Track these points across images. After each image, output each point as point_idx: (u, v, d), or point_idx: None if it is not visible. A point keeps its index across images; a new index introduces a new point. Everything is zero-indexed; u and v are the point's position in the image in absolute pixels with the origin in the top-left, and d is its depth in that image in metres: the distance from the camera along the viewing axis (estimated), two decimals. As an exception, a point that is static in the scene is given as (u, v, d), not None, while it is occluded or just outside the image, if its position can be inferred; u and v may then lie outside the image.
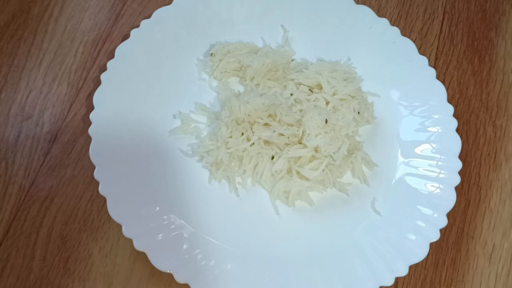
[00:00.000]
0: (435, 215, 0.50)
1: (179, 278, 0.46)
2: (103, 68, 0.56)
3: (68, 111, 0.58)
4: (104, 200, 0.49)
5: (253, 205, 0.53)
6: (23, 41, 0.62)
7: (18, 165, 0.55)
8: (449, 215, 0.50)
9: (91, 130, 0.52)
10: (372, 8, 0.61)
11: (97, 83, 0.55)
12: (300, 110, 0.55)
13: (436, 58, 0.63)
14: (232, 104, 0.54)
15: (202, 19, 0.61)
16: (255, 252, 0.50)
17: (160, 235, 0.48)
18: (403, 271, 0.47)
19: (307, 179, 0.52)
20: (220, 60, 0.59)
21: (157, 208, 0.50)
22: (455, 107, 0.56)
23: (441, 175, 0.52)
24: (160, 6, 0.60)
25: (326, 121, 0.53)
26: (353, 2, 0.61)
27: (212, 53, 0.59)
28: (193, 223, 0.50)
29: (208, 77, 0.59)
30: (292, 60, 0.60)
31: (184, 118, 0.56)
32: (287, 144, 0.54)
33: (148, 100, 0.56)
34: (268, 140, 0.54)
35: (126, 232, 0.47)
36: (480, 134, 0.59)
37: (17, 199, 0.53)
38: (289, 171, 0.53)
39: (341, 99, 0.56)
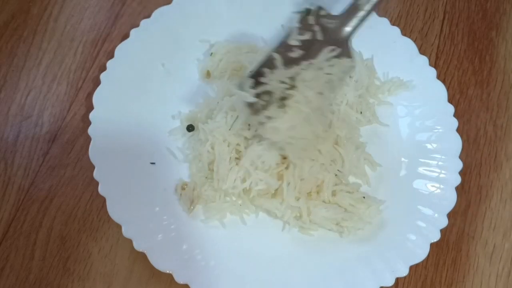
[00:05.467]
0: (436, 215, 0.50)
1: (179, 278, 0.46)
2: (103, 68, 0.56)
3: (68, 111, 0.58)
4: (103, 200, 0.48)
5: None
6: (22, 40, 0.62)
7: (17, 165, 0.55)
8: (449, 215, 0.50)
9: (90, 130, 0.52)
10: (373, 8, 0.61)
11: (97, 83, 0.55)
12: None
13: (437, 57, 0.63)
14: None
15: (202, 19, 0.61)
16: (255, 252, 0.50)
17: (160, 235, 0.48)
18: (403, 272, 0.47)
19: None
20: (220, 60, 0.58)
21: (157, 208, 0.50)
22: (456, 107, 0.55)
23: (441, 175, 0.52)
24: (160, 6, 0.60)
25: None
26: (353, 2, 0.61)
27: (212, 53, 0.59)
28: (193, 223, 0.50)
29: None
30: None
31: (184, 118, 0.56)
32: None
33: (148, 100, 0.56)
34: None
35: (126, 232, 0.47)
36: (480, 134, 0.59)
37: (17, 199, 0.53)
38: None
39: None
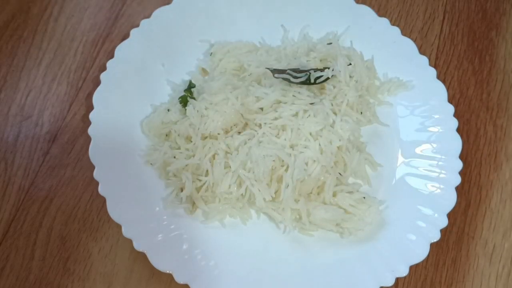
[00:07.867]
0: (436, 215, 0.50)
1: (179, 278, 0.46)
2: (103, 68, 0.56)
3: (68, 111, 0.58)
4: (103, 200, 0.48)
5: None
6: (22, 40, 0.62)
7: (17, 165, 0.55)
8: (449, 215, 0.50)
9: (90, 130, 0.52)
10: (372, 8, 0.61)
11: (97, 83, 0.55)
12: None
13: (437, 58, 0.63)
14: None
15: (202, 19, 0.61)
16: (255, 252, 0.50)
17: (160, 235, 0.48)
18: (403, 271, 0.47)
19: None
20: (220, 60, 0.58)
21: (157, 208, 0.50)
22: (456, 107, 0.55)
23: (441, 175, 0.52)
24: (160, 6, 0.60)
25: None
26: (353, 2, 0.61)
27: (212, 53, 0.59)
28: (193, 223, 0.50)
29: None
30: None
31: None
32: None
33: (148, 100, 0.56)
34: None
35: (126, 232, 0.47)
36: (480, 134, 0.59)
37: (17, 199, 0.53)
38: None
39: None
